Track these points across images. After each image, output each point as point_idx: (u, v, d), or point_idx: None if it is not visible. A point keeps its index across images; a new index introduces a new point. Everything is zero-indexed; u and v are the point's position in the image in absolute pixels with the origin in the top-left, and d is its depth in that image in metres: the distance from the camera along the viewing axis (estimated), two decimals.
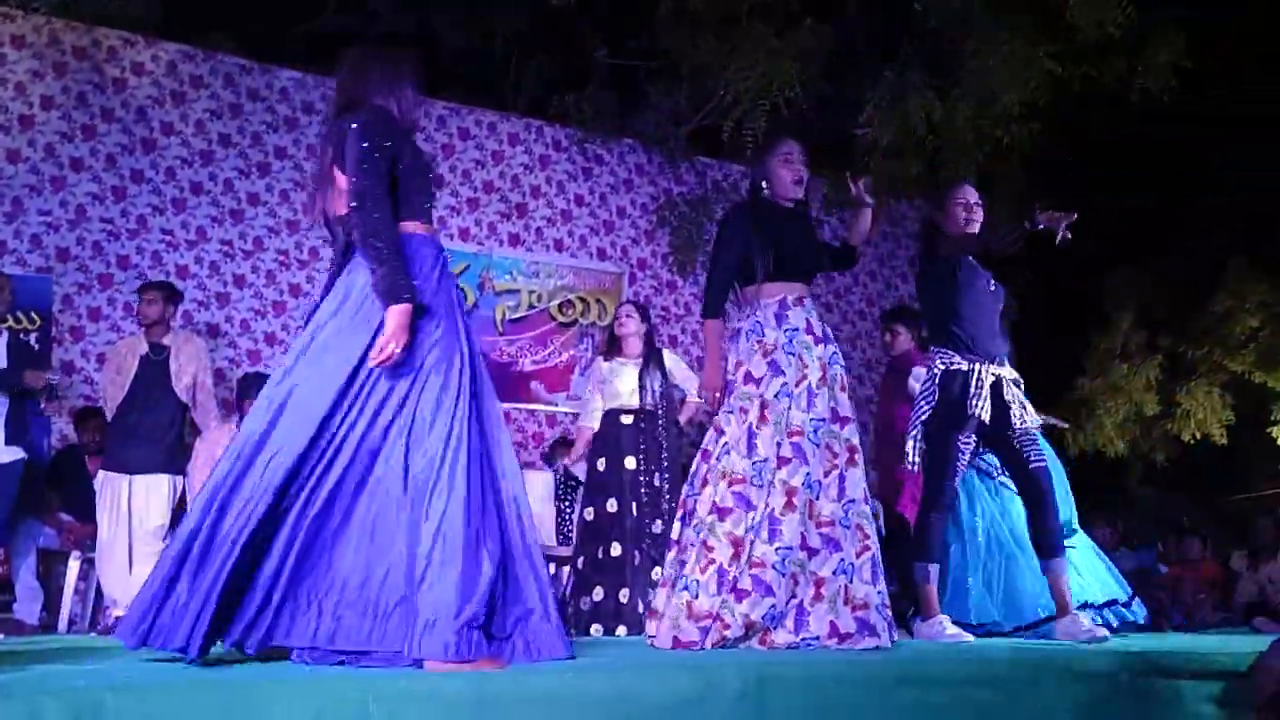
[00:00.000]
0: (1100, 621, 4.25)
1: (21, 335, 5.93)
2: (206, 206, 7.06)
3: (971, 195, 3.96)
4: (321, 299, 2.72)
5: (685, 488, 3.41)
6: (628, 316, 5.26)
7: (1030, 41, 6.77)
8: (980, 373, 3.81)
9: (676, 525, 3.39)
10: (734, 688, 2.21)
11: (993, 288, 3.95)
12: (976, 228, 3.91)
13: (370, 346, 2.54)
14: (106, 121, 6.88)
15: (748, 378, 3.36)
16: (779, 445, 3.29)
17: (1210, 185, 10.17)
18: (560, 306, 7.91)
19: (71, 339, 6.65)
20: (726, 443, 3.31)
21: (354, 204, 2.56)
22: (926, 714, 2.42)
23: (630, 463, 5.03)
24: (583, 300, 8.00)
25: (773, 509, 3.23)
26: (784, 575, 3.19)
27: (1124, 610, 4.59)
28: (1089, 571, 4.65)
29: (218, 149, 7.14)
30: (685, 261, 8.22)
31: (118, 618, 5.37)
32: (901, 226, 9.23)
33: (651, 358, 5.18)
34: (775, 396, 3.32)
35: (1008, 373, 3.89)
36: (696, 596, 3.17)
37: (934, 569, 3.89)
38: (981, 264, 3.95)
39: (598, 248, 8.22)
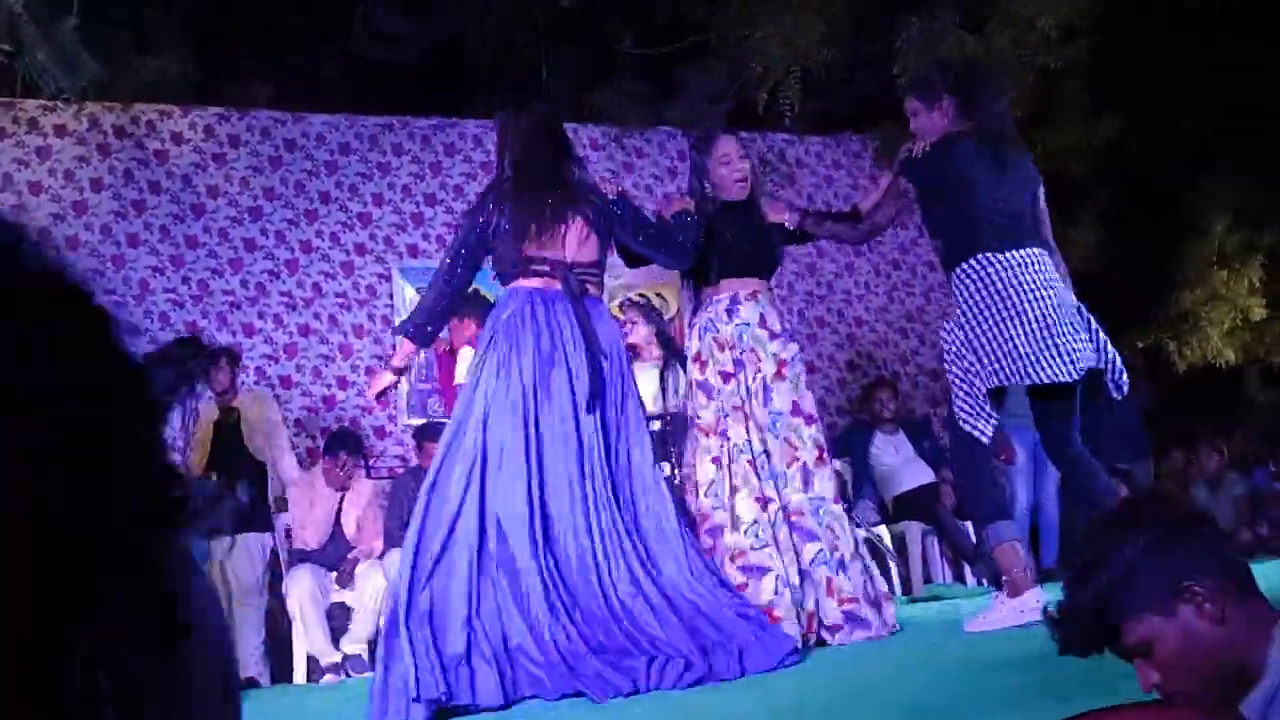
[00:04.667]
0: None
1: None
2: (262, 261, 7.19)
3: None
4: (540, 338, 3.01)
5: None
6: (633, 324, 5.09)
7: None
8: None
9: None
10: None
11: None
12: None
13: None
14: (155, 194, 7.04)
15: (721, 374, 3.34)
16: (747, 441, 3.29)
17: None
18: (620, 306, 7.86)
19: None
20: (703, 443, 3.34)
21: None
22: (952, 701, 2.30)
23: (663, 469, 4.91)
24: (643, 295, 7.91)
25: (733, 503, 3.25)
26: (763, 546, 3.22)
27: None
28: None
29: (264, 203, 7.26)
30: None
31: None
32: None
33: (673, 358, 5.00)
34: (734, 392, 3.31)
35: None
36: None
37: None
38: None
39: None
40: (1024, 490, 6.45)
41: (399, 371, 3.12)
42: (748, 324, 3.36)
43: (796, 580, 3.16)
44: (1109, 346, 3.21)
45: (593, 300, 3.12)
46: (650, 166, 8.24)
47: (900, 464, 6.53)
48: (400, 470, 6.93)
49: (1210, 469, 6.64)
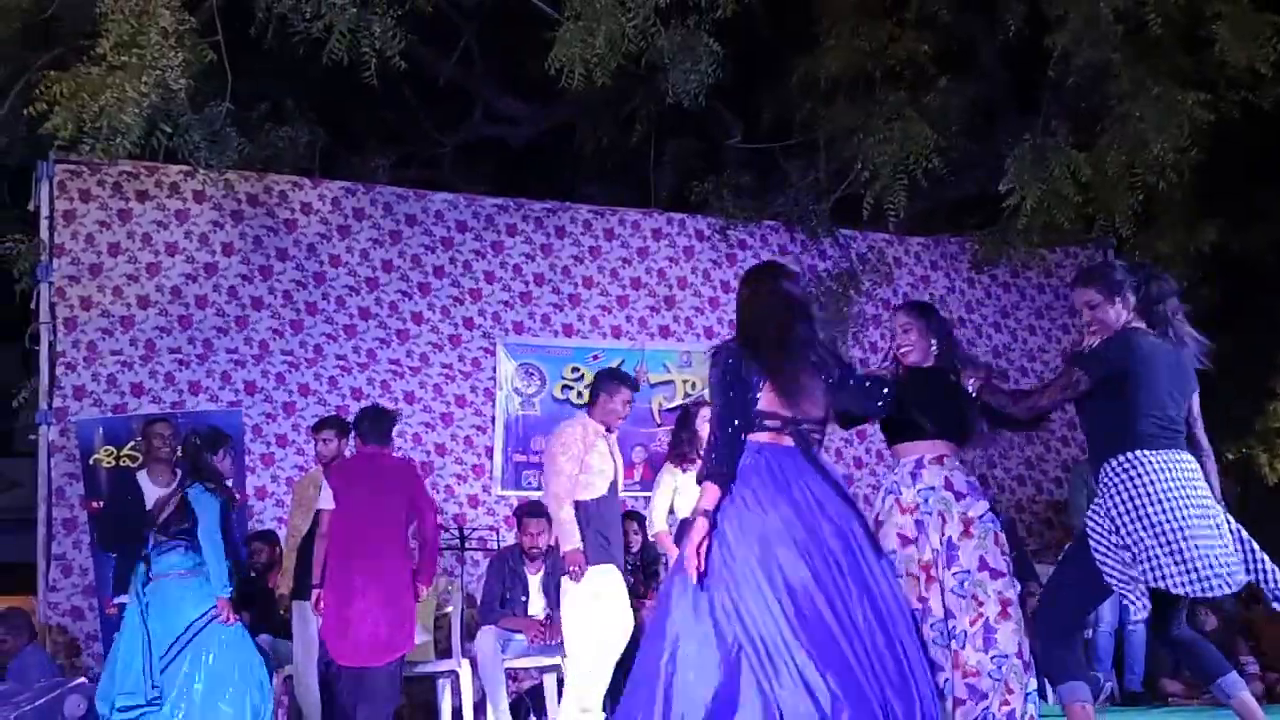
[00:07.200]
0: None
1: None
2: (375, 329, 7.47)
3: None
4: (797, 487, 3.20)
5: None
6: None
7: (1179, 84, 6.53)
8: None
9: None
10: None
11: None
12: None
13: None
14: (281, 260, 7.39)
15: (902, 540, 3.41)
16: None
17: None
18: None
19: (263, 465, 7.13)
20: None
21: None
22: None
23: None
24: None
25: None
26: None
27: None
28: None
29: (381, 274, 7.56)
30: (836, 335, 8.18)
31: None
32: (1056, 276, 8.96)
33: None
34: (913, 558, 3.37)
35: None
36: None
37: None
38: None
39: None
40: (1110, 612, 6.39)
41: (711, 517, 3.27)
42: (933, 488, 3.41)
43: None
44: (1259, 554, 3.27)
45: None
46: (752, 258, 8.38)
47: None
48: (490, 543, 7.11)
49: None
